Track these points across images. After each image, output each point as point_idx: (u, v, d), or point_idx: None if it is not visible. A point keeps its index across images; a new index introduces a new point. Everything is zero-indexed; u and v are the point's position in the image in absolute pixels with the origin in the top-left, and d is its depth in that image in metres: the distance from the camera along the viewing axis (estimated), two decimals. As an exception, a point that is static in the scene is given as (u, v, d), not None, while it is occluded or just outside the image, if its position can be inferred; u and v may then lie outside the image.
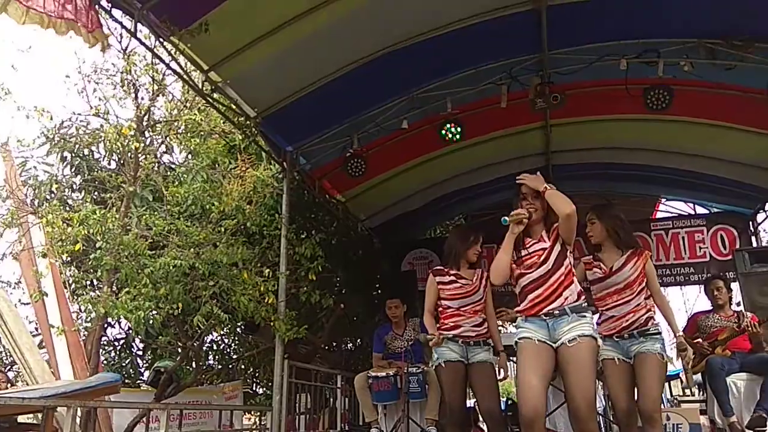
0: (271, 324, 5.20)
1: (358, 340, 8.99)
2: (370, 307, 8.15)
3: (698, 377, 5.42)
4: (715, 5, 4.58)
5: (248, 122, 5.25)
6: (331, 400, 6.93)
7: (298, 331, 5.24)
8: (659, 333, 3.34)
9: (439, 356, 3.74)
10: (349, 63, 5.00)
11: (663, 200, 8.99)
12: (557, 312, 2.84)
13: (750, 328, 4.66)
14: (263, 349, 7.09)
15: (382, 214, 8.10)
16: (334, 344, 8.87)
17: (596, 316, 3.52)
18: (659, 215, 8.92)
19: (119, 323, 8.35)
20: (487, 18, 4.78)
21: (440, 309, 3.87)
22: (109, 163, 7.92)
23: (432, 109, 5.74)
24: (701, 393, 6.62)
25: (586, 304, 2.91)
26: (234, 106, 5.10)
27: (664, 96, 5.12)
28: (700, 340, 4.81)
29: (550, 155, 7.29)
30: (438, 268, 3.95)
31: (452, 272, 3.82)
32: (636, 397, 3.29)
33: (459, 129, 5.60)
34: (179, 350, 6.99)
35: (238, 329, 7.87)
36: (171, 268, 5.00)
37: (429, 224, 9.35)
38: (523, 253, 2.97)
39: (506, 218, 2.92)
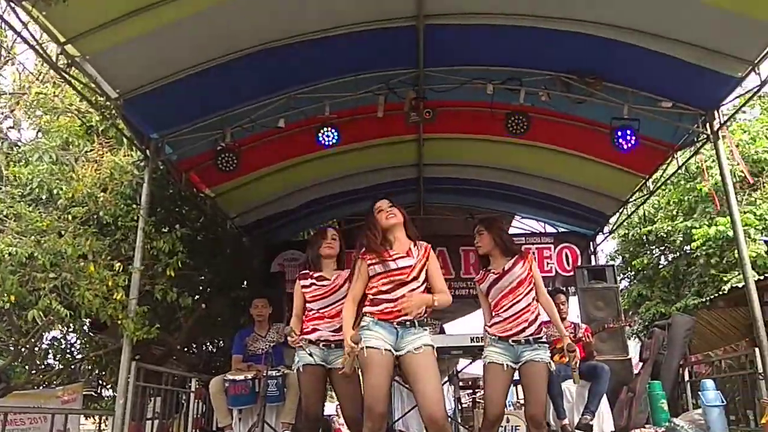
0: (119, 322, 4.83)
1: (220, 342, 8.64)
2: (235, 307, 7.88)
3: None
4: (572, 45, 5.02)
5: (108, 103, 4.83)
6: (185, 404, 6.60)
7: (149, 330, 4.90)
8: (546, 342, 3.59)
9: (300, 359, 3.70)
10: (226, 54, 4.81)
11: (518, 217, 9.60)
12: (408, 323, 3.08)
13: (584, 339, 5.24)
14: (111, 350, 6.56)
15: (254, 213, 7.87)
16: (194, 345, 8.46)
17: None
18: (512, 231, 9.57)
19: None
20: (369, 28, 4.86)
21: (305, 313, 3.85)
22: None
23: (310, 111, 5.67)
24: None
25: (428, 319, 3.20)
26: (93, 85, 4.67)
27: (522, 122, 5.53)
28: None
29: (422, 167, 7.58)
30: (303, 272, 3.90)
31: (315, 275, 3.81)
32: (523, 404, 3.56)
33: (336, 134, 5.59)
34: (11, 347, 6.28)
35: (84, 327, 7.22)
36: (5, 255, 4.49)
37: (303, 226, 9.26)
38: (392, 266, 3.15)
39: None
